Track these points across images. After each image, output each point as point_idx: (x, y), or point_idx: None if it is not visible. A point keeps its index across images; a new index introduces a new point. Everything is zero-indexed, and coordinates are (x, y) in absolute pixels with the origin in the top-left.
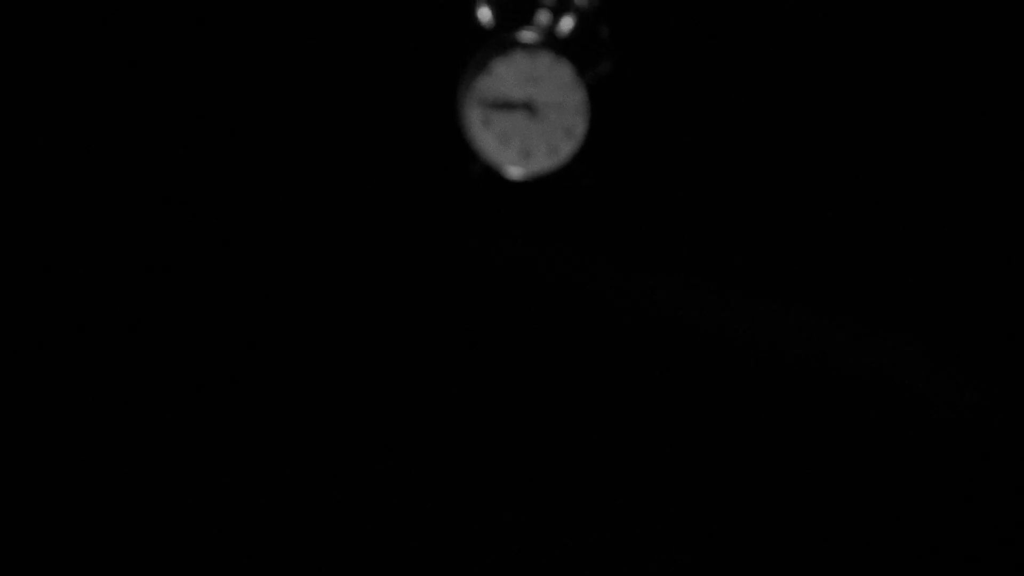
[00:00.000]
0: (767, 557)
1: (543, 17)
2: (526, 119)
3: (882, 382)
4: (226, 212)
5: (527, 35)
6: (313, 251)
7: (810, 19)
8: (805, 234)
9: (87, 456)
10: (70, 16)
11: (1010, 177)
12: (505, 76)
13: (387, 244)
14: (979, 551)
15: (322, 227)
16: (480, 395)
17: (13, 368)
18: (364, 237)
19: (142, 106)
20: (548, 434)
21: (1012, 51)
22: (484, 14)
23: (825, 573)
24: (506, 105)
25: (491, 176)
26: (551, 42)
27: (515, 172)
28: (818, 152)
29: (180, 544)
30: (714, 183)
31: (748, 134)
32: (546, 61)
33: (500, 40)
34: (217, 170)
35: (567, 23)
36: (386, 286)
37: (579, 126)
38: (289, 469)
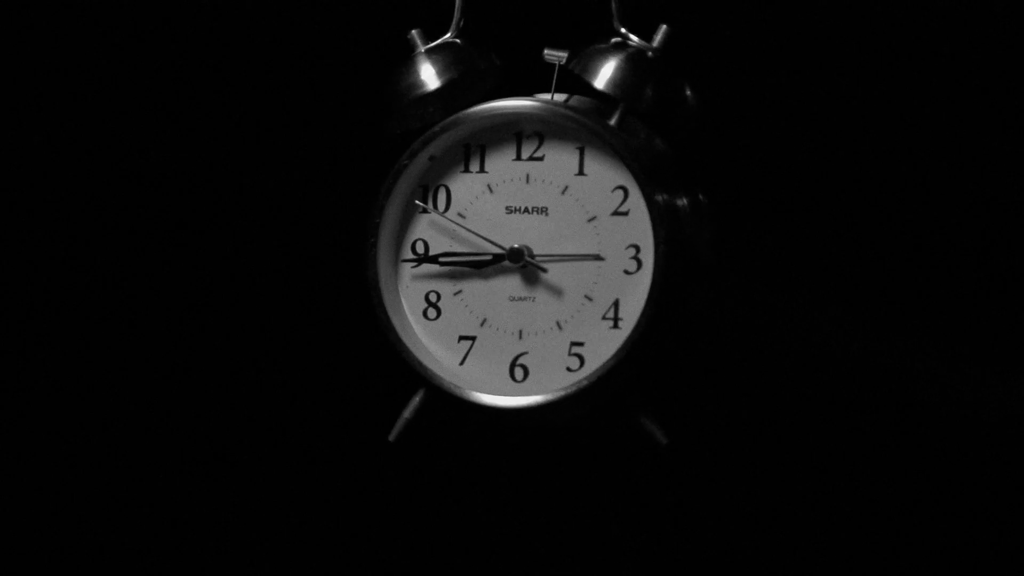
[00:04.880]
0: (767, 557)
1: (555, 56)
2: (521, 295)
3: (887, 382)
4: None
5: (527, 105)
6: None
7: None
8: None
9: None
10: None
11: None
12: (468, 194)
13: None
14: (980, 551)
15: None
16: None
17: (11, 368)
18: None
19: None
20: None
21: (1012, 51)
22: (427, 72)
23: (826, 573)
24: (472, 264)
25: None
26: (577, 116)
27: (496, 402)
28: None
29: (178, 544)
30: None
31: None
32: (561, 163)
33: (462, 126)
34: None
35: (611, 73)
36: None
37: (637, 302)
38: (287, 470)
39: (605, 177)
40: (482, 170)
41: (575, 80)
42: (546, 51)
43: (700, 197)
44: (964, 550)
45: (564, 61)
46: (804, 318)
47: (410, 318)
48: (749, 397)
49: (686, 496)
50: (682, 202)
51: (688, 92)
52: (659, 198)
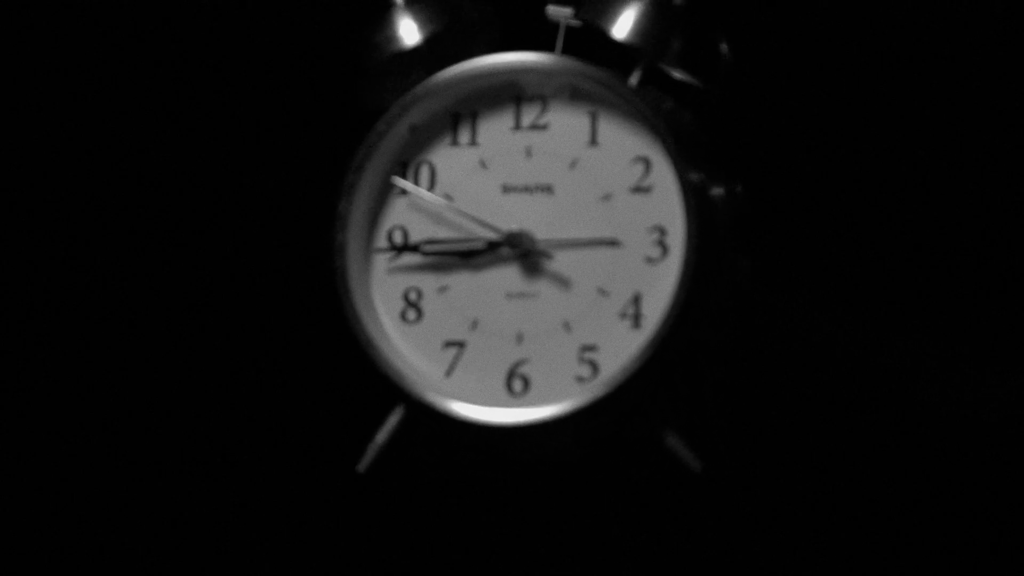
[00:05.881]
0: (767, 556)
1: (559, 12)
2: (520, 291)
3: (887, 382)
4: None
5: (527, 60)
6: None
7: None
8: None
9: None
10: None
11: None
12: (457, 171)
13: None
14: (980, 551)
15: None
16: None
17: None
18: None
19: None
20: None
21: (1012, 51)
22: (406, 25)
23: (827, 572)
24: (461, 254)
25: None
26: (589, 71)
27: (489, 419)
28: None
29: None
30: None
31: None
32: (569, 132)
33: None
34: None
35: (631, 21)
36: None
37: (662, 296)
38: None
39: (623, 147)
40: (473, 142)
41: (585, 43)
42: (549, 7)
43: (738, 188)
44: (964, 550)
45: (570, 19)
46: (805, 318)
47: (385, 320)
48: (748, 397)
49: (686, 495)
50: (717, 190)
51: (722, 46)
52: (690, 171)
